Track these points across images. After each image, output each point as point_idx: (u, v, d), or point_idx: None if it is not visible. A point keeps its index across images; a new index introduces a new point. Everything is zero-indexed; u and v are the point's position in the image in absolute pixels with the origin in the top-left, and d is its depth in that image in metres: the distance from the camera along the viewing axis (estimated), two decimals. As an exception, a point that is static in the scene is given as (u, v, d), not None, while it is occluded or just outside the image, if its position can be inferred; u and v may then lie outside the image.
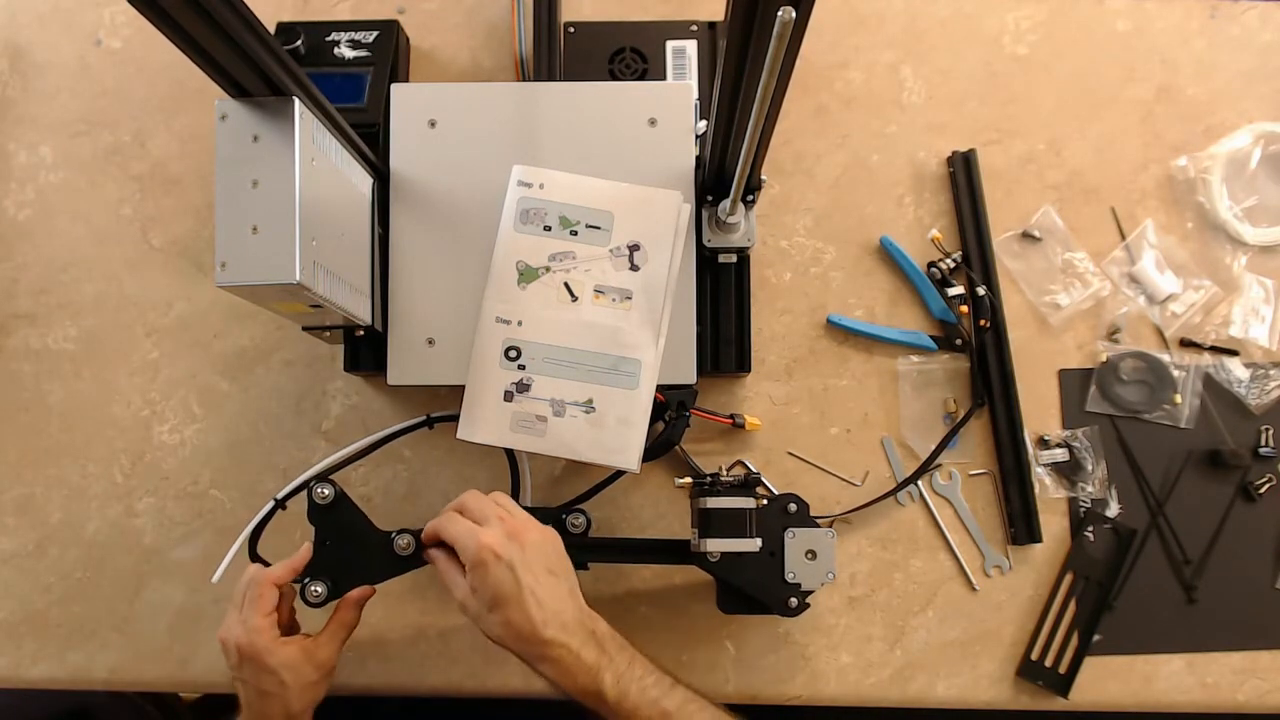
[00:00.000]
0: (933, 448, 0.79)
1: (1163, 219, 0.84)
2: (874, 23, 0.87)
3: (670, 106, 0.74)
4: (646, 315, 0.71)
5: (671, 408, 0.72)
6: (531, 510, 0.65)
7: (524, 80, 0.83)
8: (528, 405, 0.70)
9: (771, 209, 0.83)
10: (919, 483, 0.79)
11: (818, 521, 0.70)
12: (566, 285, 0.71)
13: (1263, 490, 0.79)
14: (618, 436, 0.70)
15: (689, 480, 0.73)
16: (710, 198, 0.72)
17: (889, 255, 0.82)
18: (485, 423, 0.70)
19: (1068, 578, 0.78)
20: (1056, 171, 0.84)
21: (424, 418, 0.77)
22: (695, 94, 0.75)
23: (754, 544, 0.68)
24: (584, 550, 0.68)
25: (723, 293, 0.76)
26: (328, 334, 0.73)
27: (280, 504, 0.74)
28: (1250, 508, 0.79)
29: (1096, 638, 0.77)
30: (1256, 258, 0.83)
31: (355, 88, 0.77)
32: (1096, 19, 0.87)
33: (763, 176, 0.73)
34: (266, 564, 0.70)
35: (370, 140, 0.72)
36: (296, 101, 0.57)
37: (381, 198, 0.73)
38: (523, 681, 0.78)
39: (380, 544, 0.66)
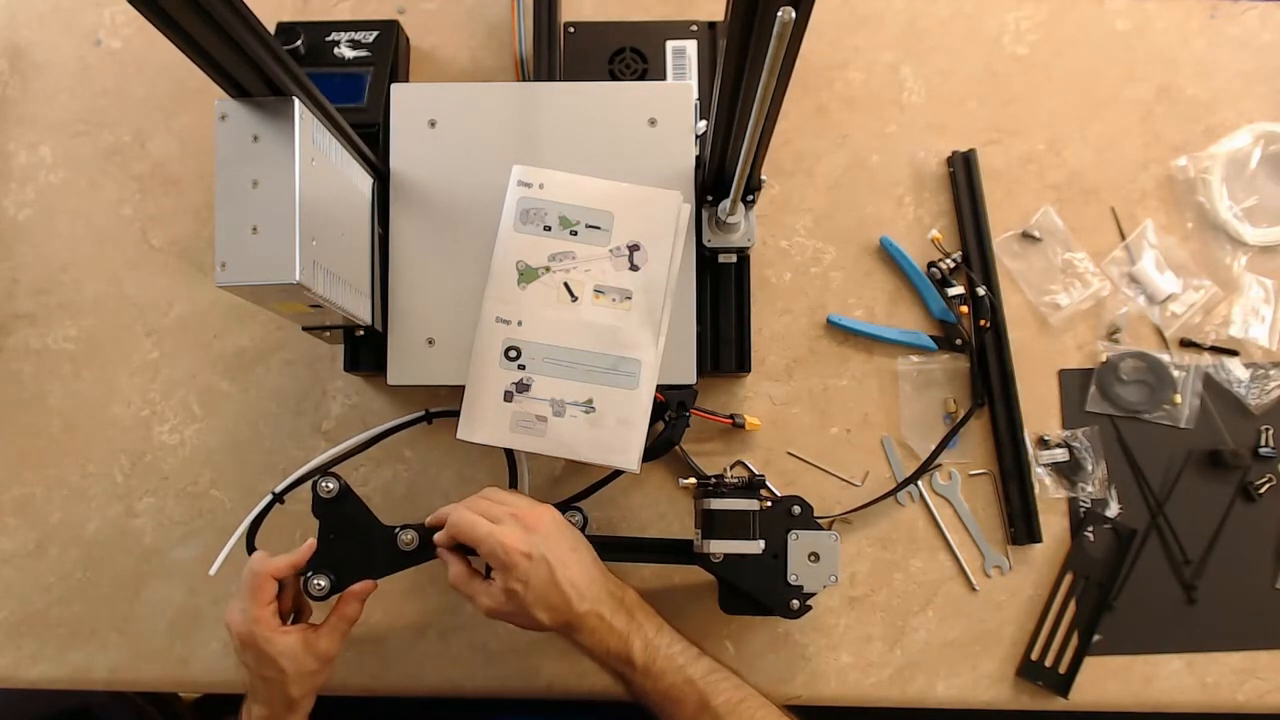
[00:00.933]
0: (933, 448, 0.79)
1: (1163, 219, 0.84)
2: (874, 23, 0.87)
3: (670, 106, 0.74)
4: (646, 315, 0.71)
5: (671, 408, 0.72)
6: None
7: (524, 80, 0.83)
8: (528, 405, 0.70)
9: (771, 209, 0.83)
10: (919, 483, 0.79)
11: (821, 524, 0.70)
12: (566, 285, 0.71)
13: (1263, 490, 0.79)
14: (618, 436, 0.70)
15: (693, 481, 0.73)
16: (710, 198, 0.72)
17: (889, 255, 0.82)
18: (485, 423, 0.70)
19: (1068, 578, 0.78)
20: (1056, 171, 0.84)
21: (423, 412, 0.77)
22: (695, 94, 0.75)
23: (757, 546, 0.68)
24: None
25: (723, 293, 0.76)
26: (328, 334, 0.73)
27: (278, 498, 0.74)
28: (1250, 508, 0.79)
29: (1096, 638, 0.77)
30: (1256, 258, 0.83)
31: (355, 88, 0.77)
32: (1096, 19, 0.87)
33: (763, 176, 0.73)
34: None
35: (370, 140, 0.72)
36: (296, 101, 0.57)
37: (381, 198, 0.73)
38: (523, 682, 0.78)
39: (384, 539, 0.67)
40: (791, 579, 0.69)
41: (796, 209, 0.83)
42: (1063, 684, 0.77)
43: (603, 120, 0.74)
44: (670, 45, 0.83)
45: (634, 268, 0.72)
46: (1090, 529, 0.79)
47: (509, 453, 0.77)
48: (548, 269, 0.71)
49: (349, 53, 0.79)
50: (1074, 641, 0.77)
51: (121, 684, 0.80)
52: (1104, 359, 0.81)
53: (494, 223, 0.72)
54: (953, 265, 0.81)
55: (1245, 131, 0.84)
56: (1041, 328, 0.82)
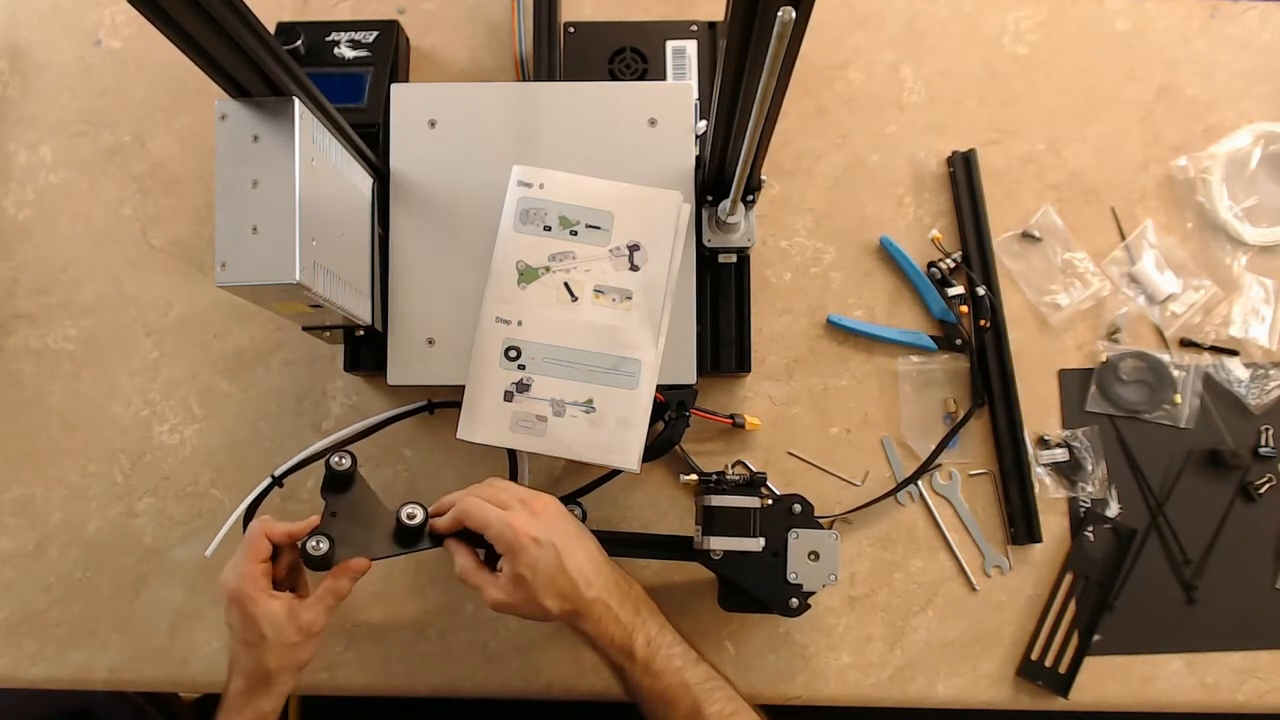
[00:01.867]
0: (933, 448, 0.79)
1: (1163, 219, 0.84)
2: (874, 23, 0.87)
3: (670, 106, 0.74)
4: (646, 315, 0.71)
5: (671, 408, 0.72)
6: None
7: (524, 80, 0.83)
8: (528, 405, 0.70)
9: (771, 209, 0.83)
10: (919, 483, 0.79)
11: (821, 523, 0.70)
12: (566, 285, 0.71)
13: (1263, 490, 0.79)
14: (618, 436, 0.70)
15: (694, 477, 0.73)
16: (710, 198, 0.73)
17: (889, 255, 0.82)
18: (485, 423, 0.70)
19: (1068, 578, 0.78)
20: (1056, 171, 0.84)
21: (424, 403, 0.78)
22: (695, 94, 0.75)
23: (757, 543, 0.68)
24: None
25: (723, 293, 0.76)
26: (328, 334, 0.73)
27: (277, 481, 0.74)
28: (1250, 508, 0.79)
29: (1096, 638, 0.77)
30: (1256, 258, 0.83)
31: (355, 88, 0.77)
32: (1096, 19, 0.87)
33: (763, 176, 0.73)
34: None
35: (370, 140, 0.72)
36: (296, 101, 0.57)
37: (381, 198, 0.73)
38: (523, 682, 0.78)
39: (387, 522, 0.66)
40: (791, 577, 0.69)
41: (796, 209, 0.83)
42: (1063, 684, 0.77)
43: (603, 120, 0.74)
44: (670, 45, 0.83)
45: (634, 268, 0.72)
46: (1090, 529, 0.79)
47: (509, 452, 0.77)
48: (548, 269, 0.72)
49: (349, 53, 0.79)
50: (1074, 641, 0.77)
51: (121, 684, 0.80)
52: (1104, 359, 0.81)
53: (494, 223, 0.72)
54: (953, 265, 0.81)
55: (1245, 131, 0.84)
56: (1041, 328, 0.82)
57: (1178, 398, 0.80)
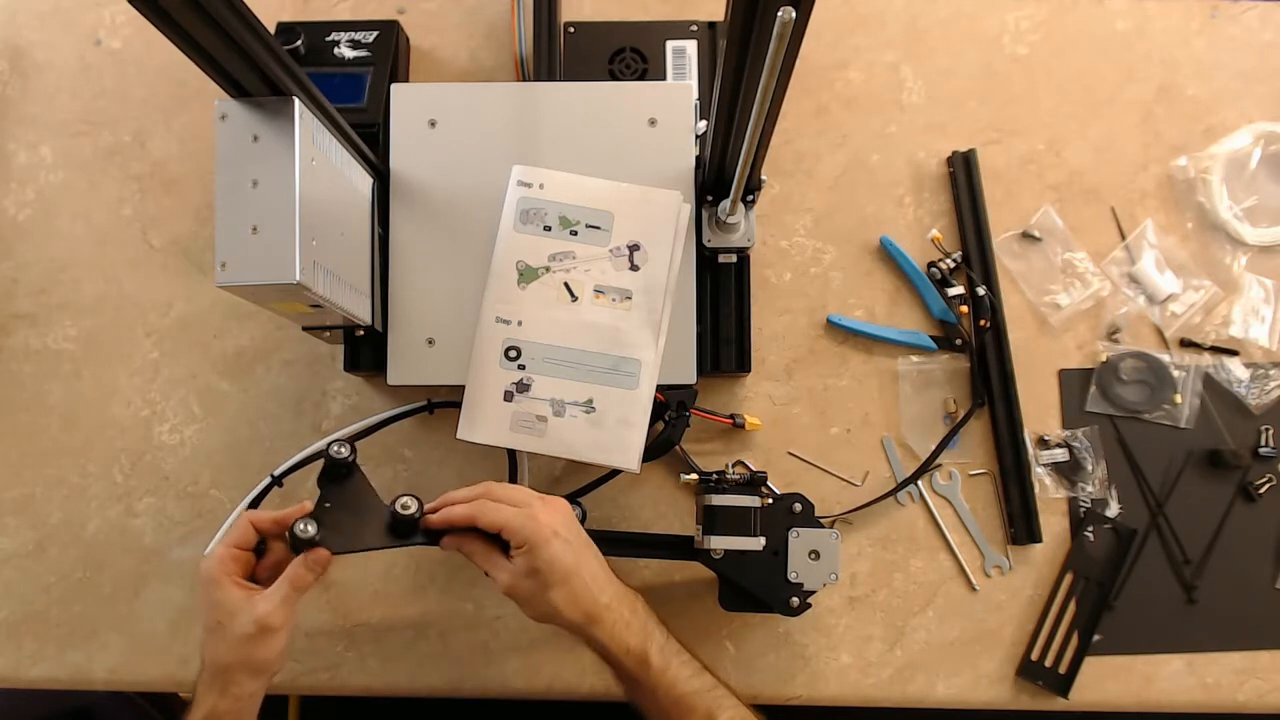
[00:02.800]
0: (933, 448, 0.79)
1: (1163, 219, 0.84)
2: (874, 23, 0.87)
3: (670, 106, 0.74)
4: (646, 315, 0.71)
5: (671, 408, 0.72)
6: None
7: (524, 80, 0.83)
8: (528, 405, 0.70)
9: (771, 209, 0.83)
10: (919, 483, 0.79)
11: (822, 522, 0.70)
12: (566, 285, 0.71)
13: (1263, 490, 0.79)
14: (618, 436, 0.70)
15: (695, 477, 0.73)
16: (710, 198, 0.73)
17: (889, 255, 0.82)
18: (485, 423, 0.70)
19: (1068, 578, 0.78)
20: (1056, 171, 0.84)
21: (424, 402, 0.78)
22: (695, 94, 0.75)
23: (758, 542, 0.68)
24: None
25: (723, 293, 0.76)
26: (328, 334, 0.73)
27: (277, 480, 0.74)
28: (1250, 508, 0.79)
29: (1096, 638, 0.77)
30: (1256, 258, 0.83)
31: (355, 88, 0.77)
32: (1096, 19, 0.87)
33: (763, 176, 0.73)
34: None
35: (370, 140, 0.72)
36: (296, 101, 0.57)
37: (381, 198, 0.73)
38: (523, 682, 0.78)
39: (381, 515, 0.64)
40: (792, 576, 0.69)
41: (796, 209, 0.83)
42: (1063, 684, 0.77)
43: (603, 120, 0.74)
44: (670, 45, 0.83)
45: (634, 268, 0.72)
46: (1090, 529, 0.79)
47: (509, 452, 0.77)
48: (548, 269, 0.72)
49: (349, 53, 0.79)
50: (1074, 641, 0.77)
51: (121, 684, 0.80)
52: (1104, 359, 0.81)
53: (494, 223, 0.72)
54: (953, 265, 0.81)
55: (1245, 131, 0.84)
56: (1041, 328, 0.82)
57: (1178, 398, 0.80)
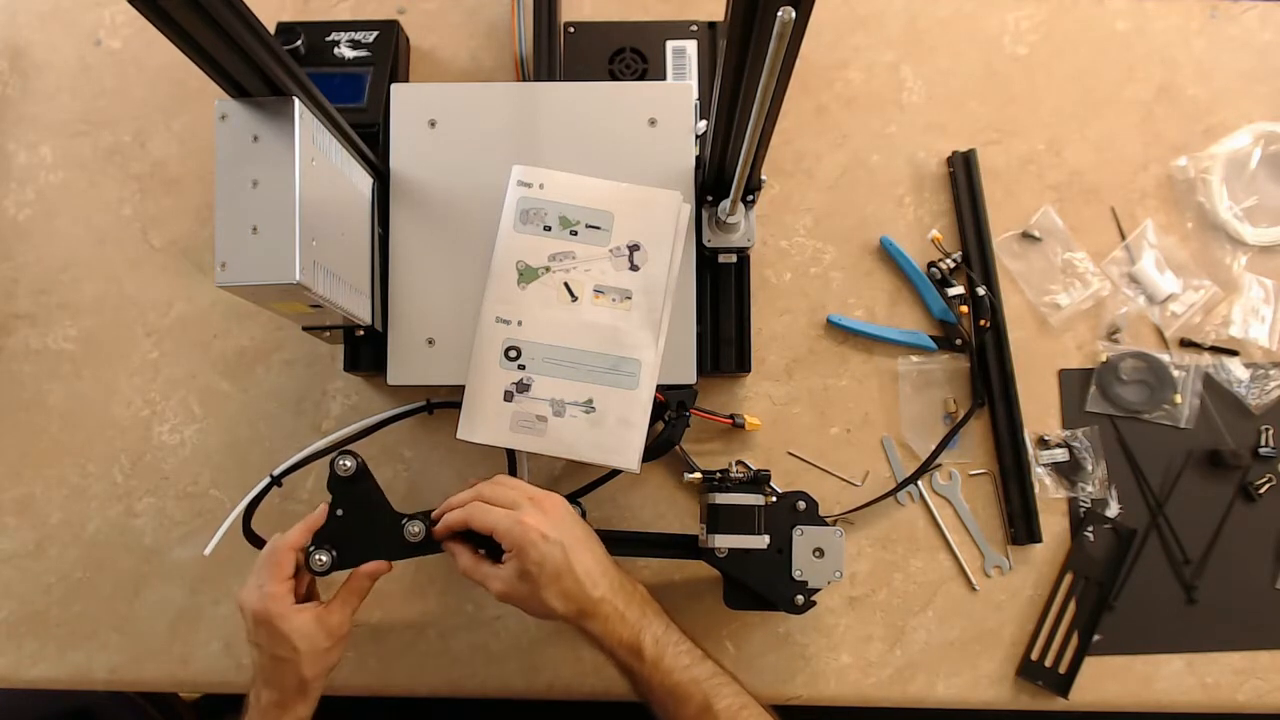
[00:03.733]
0: (933, 448, 0.79)
1: (1163, 219, 0.84)
2: (874, 23, 0.87)
3: (670, 106, 0.74)
4: (646, 315, 0.71)
5: (671, 408, 0.72)
6: None
7: (524, 80, 0.83)
8: (528, 405, 0.70)
9: (771, 209, 0.83)
10: (919, 483, 0.79)
11: (826, 520, 0.70)
12: (566, 285, 0.71)
13: (1263, 490, 0.79)
14: (618, 436, 0.70)
15: (698, 475, 0.73)
16: (710, 198, 0.72)
17: (889, 255, 0.82)
18: (485, 423, 0.70)
19: (1068, 578, 0.78)
20: (1056, 171, 0.84)
21: (424, 403, 0.78)
22: (695, 94, 0.75)
23: (762, 541, 0.68)
24: None
25: (723, 293, 0.76)
26: (328, 334, 0.73)
27: (276, 480, 0.74)
28: (1250, 508, 0.79)
29: (1096, 638, 0.77)
30: (1256, 258, 0.83)
31: (355, 88, 0.77)
32: (1096, 19, 0.87)
33: (763, 176, 0.73)
34: (262, 541, 0.70)
35: (370, 140, 0.72)
36: (296, 101, 0.57)
37: (381, 198, 0.73)
38: (523, 682, 0.78)
39: (394, 524, 0.67)
40: (796, 574, 0.69)
41: (796, 209, 0.83)
42: (1063, 684, 0.77)
43: (603, 120, 0.74)
44: (670, 45, 0.83)
45: (634, 268, 0.72)
46: (1090, 529, 0.79)
47: (509, 452, 0.77)
48: (548, 269, 0.71)
49: (349, 53, 0.79)
50: (1074, 641, 0.77)
51: (121, 684, 0.80)
52: (1104, 359, 0.81)
53: (494, 223, 0.72)
54: (953, 265, 0.81)
55: (1245, 131, 0.84)
56: (1041, 328, 0.82)
57: (1178, 398, 0.80)
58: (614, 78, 0.83)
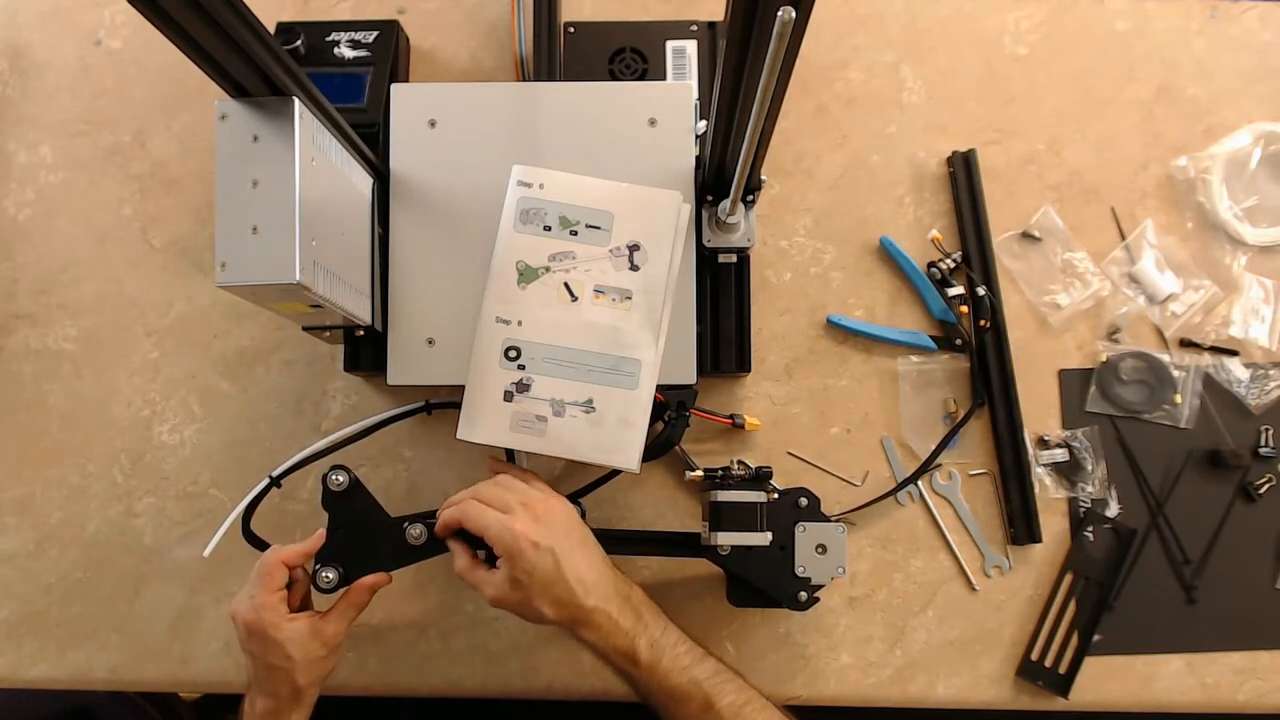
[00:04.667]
0: (933, 448, 0.79)
1: (1163, 219, 0.84)
2: (874, 23, 0.87)
3: (670, 106, 0.74)
4: (646, 315, 0.71)
5: (671, 408, 0.72)
6: None
7: (524, 80, 0.83)
8: (528, 405, 0.70)
9: (771, 209, 0.83)
10: (919, 483, 0.79)
11: (828, 516, 0.70)
12: (566, 285, 0.71)
13: (1263, 490, 0.79)
14: (618, 436, 0.70)
15: (700, 473, 0.73)
16: (710, 198, 0.72)
17: (889, 255, 0.82)
18: (485, 423, 0.70)
19: (1068, 578, 0.78)
20: (1056, 171, 0.84)
21: (423, 403, 0.78)
22: (695, 94, 0.75)
23: (764, 538, 0.68)
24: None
25: (723, 293, 0.76)
26: (328, 334, 0.73)
27: (275, 481, 0.74)
28: (1250, 508, 0.79)
29: (1096, 638, 0.77)
30: (1256, 258, 0.83)
31: (355, 88, 0.77)
32: (1096, 19, 0.87)
33: (763, 176, 0.73)
34: (264, 543, 0.70)
35: (370, 140, 0.72)
36: (296, 101, 0.57)
37: (381, 198, 0.73)
38: (523, 682, 0.78)
39: (393, 532, 0.67)
40: (799, 571, 0.69)
41: (796, 209, 0.83)
42: (1063, 684, 0.77)
43: (603, 120, 0.74)
44: (670, 45, 0.83)
45: (634, 268, 0.71)
46: (1090, 529, 0.79)
47: (509, 453, 0.77)
48: (548, 269, 0.71)
49: (349, 53, 0.79)
50: (1074, 641, 0.77)
51: (121, 684, 0.80)
52: (1104, 359, 0.81)
53: (494, 223, 0.72)
54: (953, 265, 0.81)
55: (1245, 131, 0.84)
56: (1041, 328, 0.82)
57: (1178, 398, 0.80)
58: (614, 78, 0.83)
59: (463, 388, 0.71)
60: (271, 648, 0.62)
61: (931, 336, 0.81)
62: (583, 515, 0.71)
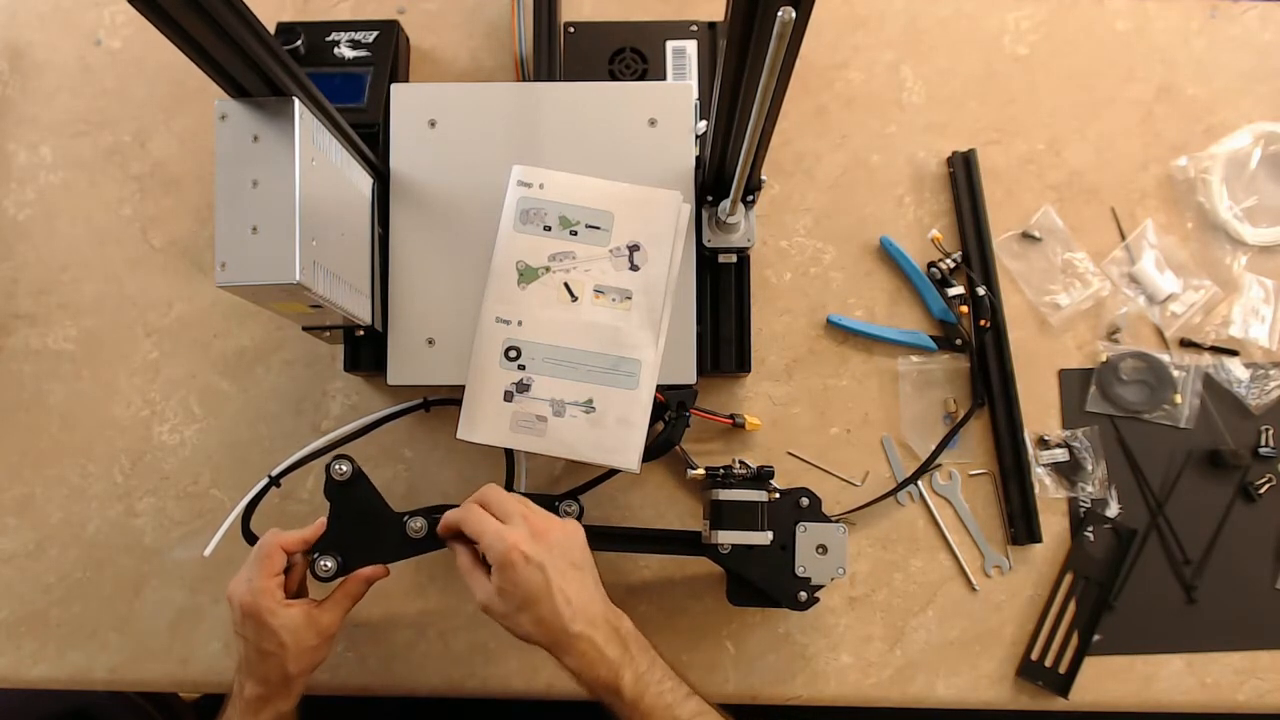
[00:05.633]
0: (933, 448, 0.79)
1: (1163, 219, 0.84)
2: (874, 23, 0.87)
3: (670, 106, 0.74)
4: (646, 315, 0.71)
5: (671, 408, 0.72)
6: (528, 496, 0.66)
7: (524, 80, 0.83)
8: (528, 405, 0.70)
9: (771, 209, 0.83)
10: (919, 483, 0.79)
11: (829, 517, 0.70)
12: (566, 285, 0.71)
13: (1263, 490, 0.79)
14: (617, 436, 0.70)
15: (702, 471, 0.73)
16: (710, 198, 0.72)
17: (889, 255, 0.82)
18: (485, 423, 0.70)
19: (1068, 578, 0.78)
20: (1056, 171, 0.84)
21: (420, 400, 0.78)
22: (695, 94, 0.75)
23: (765, 537, 0.68)
24: (597, 539, 0.68)
25: (723, 293, 0.76)
26: (328, 334, 0.73)
27: (275, 480, 0.74)
28: (1250, 508, 0.79)
29: (1096, 638, 0.77)
30: (1256, 258, 0.83)
31: (355, 88, 0.77)
32: (1096, 19, 0.87)
33: (763, 176, 0.73)
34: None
35: (370, 140, 0.72)
36: (296, 101, 0.57)
37: (381, 198, 0.73)
38: (523, 682, 0.78)
39: (394, 525, 0.67)
40: (799, 571, 0.69)
41: (796, 209, 0.83)
42: (1063, 684, 0.77)
43: (603, 120, 0.74)
44: (670, 45, 0.83)
45: (634, 268, 0.72)
46: (1090, 529, 0.79)
47: (508, 452, 0.77)
48: (548, 269, 0.71)
49: (349, 53, 0.79)
50: (1074, 641, 0.77)
51: (121, 684, 0.80)
52: (1104, 359, 0.81)
53: (494, 223, 0.72)
54: (953, 265, 0.81)
55: (1245, 131, 0.84)
56: (1041, 328, 0.82)
57: (1178, 398, 0.80)
58: (614, 78, 0.83)
59: (463, 388, 0.71)
60: (265, 633, 0.62)
61: (931, 336, 0.81)
62: (580, 513, 0.71)
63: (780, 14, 0.43)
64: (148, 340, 0.82)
